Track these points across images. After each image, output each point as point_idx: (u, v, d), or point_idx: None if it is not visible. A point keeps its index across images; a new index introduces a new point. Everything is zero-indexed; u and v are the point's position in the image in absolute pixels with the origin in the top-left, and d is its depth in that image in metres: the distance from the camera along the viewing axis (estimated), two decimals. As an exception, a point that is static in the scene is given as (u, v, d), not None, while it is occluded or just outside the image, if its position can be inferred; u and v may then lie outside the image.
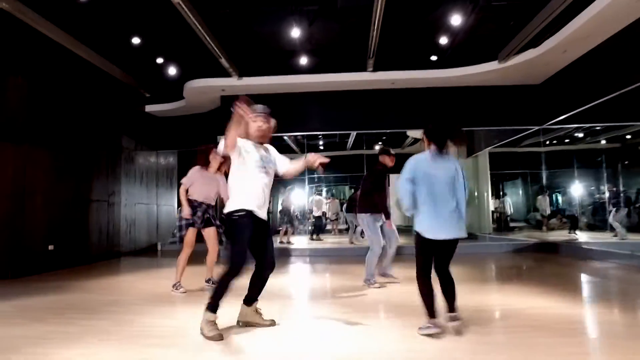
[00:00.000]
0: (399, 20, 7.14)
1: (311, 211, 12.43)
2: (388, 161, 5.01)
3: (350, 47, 8.02)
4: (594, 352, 2.72)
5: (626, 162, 9.47)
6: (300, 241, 11.11)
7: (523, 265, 6.87)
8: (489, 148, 11.07)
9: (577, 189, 11.27)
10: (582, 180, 11.24)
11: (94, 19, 7.20)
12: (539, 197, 11.30)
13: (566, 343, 2.76)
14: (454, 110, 8.91)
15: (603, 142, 10.14)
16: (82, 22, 7.17)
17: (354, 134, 11.31)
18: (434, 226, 2.95)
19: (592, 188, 10.76)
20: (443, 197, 2.94)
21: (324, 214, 13.29)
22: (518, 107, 8.79)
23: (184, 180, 4.67)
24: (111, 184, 8.36)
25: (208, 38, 6.80)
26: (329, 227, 14.08)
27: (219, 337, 2.87)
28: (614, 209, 9.02)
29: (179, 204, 4.77)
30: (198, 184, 4.66)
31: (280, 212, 11.21)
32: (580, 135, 10.84)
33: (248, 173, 3.03)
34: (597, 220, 10.41)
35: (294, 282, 5.80)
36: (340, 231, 13.65)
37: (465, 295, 4.25)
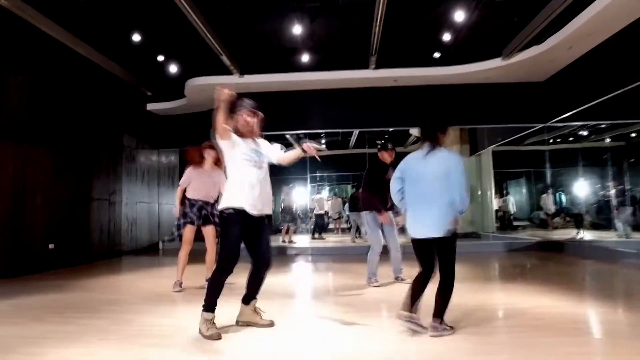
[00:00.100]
0: (401, 17, 7.08)
1: (312, 210, 12.40)
2: (386, 156, 4.97)
3: (352, 45, 7.97)
4: (597, 352, 2.67)
5: (632, 160, 9.38)
6: (302, 240, 11.09)
7: (527, 264, 6.81)
8: (492, 146, 11.00)
9: (582, 188, 11.18)
10: (587, 178, 11.15)
11: (94, 16, 7.17)
12: (543, 195, 11.22)
13: (569, 343, 2.71)
14: (457, 108, 8.85)
15: (608, 140, 10.05)
16: (83, 20, 7.14)
17: (356, 132, 11.26)
18: (414, 225, 3.01)
19: (598, 186, 10.67)
20: (430, 195, 2.94)
21: (326, 213, 13.25)
22: (522, 104, 8.71)
23: (181, 181, 4.75)
24: (112, 182, 8.35)
25: (209, 35, 6.76)
26: (331, 226, 14.03)
27: (217, 336, 2.84)
28: (619, 207, 8.92)
29: None
30: (195, 182, 4.68)
31: (281, 211, 11.18)
32: (585, 133, 10.75)
33: (238, 168, 3.01)
34: (602, 219, 10.32)
35: (295, 281, 5.76)
36: (343, 230, 13.62)
37: (468, 294, 4.22)
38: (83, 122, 7.49)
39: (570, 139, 10.83)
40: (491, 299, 4.27)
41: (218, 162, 4.70)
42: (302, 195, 12.53)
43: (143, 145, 9.74)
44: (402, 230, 4.93)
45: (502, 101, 8.78)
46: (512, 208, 12.80)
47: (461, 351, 2.59)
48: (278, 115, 8.91)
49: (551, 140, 9.41)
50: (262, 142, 3.24)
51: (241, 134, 3.09)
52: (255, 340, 2.87)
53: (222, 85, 2.89)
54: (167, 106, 9.90)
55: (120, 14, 7.25)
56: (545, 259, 7.29)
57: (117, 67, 8.56)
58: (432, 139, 3.02)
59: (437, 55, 8.42)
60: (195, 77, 8.58)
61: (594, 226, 10.35)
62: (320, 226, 12.27)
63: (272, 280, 5.17)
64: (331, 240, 11.44)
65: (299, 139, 8.85)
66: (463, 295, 4.14)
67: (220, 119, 2.88)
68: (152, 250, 9.82)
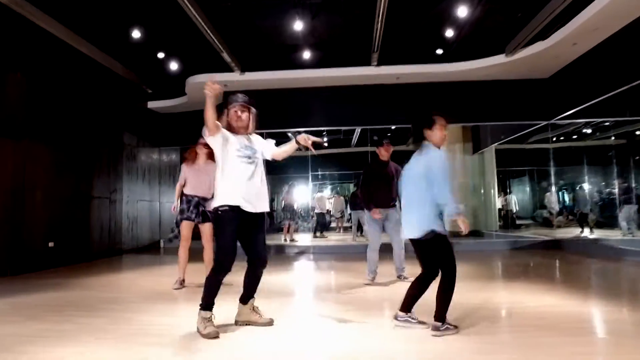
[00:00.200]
0: (403, 13, 7.02)
1: (314, 208, 12.36)
2: (382, 152, 5.00)
3: (354, 41, 7.91)
4: (601, 352, 2.62)
5: (637, 158, 9.29)
6: (304, 238, 11.06)
7: (530, 263, 6.74)
8: (496, 144, 10.91)
9: (586, 186, 11.10)
10: (591, 176, 11.07)
11: (94, 13, 7.13)
12: (547, 194, 11.14)
13: (571, 342, 2.66)
14: (460, 105, 8.78)
15: (612, 137, 9.95)
16: (83, 17, 7.10)
17: (358, 130, 11.19)
18: (403, 225, 3.05)
19: (603, 184, 10.59)
20: (410, 196, 2.98)
21: (328, 211, 13.20)
22: (526, 101, 8.63)
23: (179, 179, 4.85)
24: (113, 180, 8.32)
25: (210, 32, 6.72)
26: (333, 224, 13.99)
27: (215, 334, 2.80)
28: (623, 205, 8.84)
29: None
30: (191, 179, 4.73)
31: (282, 209, 11.15)
32: (589, 131, 10.66)
33: (231, 164, 2.96)
34: (606, 217, 10.24)
35: (296, 279, 5.70)
36: (346, 229, 13.57)
37: (471, 293, 4.17)
38: (83, 120, 7.45)
39: (574, 137, 10.75)
40: (494, 298, 4.21)
41: (212, 156, 4.67)
42: (303, 194, 12.49)
43: (144, 143, 9.71)
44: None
45: (505, 98, 8.70)
46: (514, 207, 12.73)
47: (463, 350, 2.55)
48: (279, 113, 8.87)
49: (554, 139, 9.33)
50: (256, 138, 3.19)
51: (233, 129, 3.04)
52: (255, 339, 2.83)
53: (211, 80, 2.85)
54: (168, 104, 9.86)
55: (120, 11, 7.21)
56: (548, 257, 7.23)
57: (118, 64, 8.53)
58: (422, 138, 2.99)
59: (439, 51, 8.35)
60: (196, 74, 8.54)
61: (598, 224, 10.27)
62: (322, 225, 12.23)
63: (273, 279, 5.13)
64: (333, 238, 11.40)
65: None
66: (466, 294, 4.09)
67: (209, 114, 2.83)
68: (153, 248, 9.80)
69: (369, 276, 4.81)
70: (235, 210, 2.89)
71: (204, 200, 4.66)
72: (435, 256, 2.86)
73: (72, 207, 7.06)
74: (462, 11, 6.74)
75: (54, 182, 6.63)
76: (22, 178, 6.03)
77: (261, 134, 3.33)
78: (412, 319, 2.96)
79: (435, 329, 2.79)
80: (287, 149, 3.15)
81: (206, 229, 4.68)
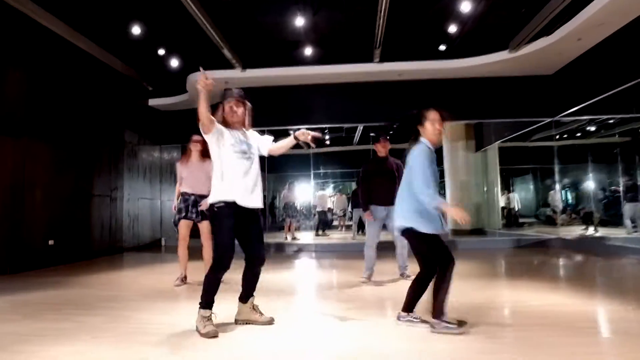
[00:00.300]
0: (406, 9, 6.94)
1: (315, 207, 12.32)
2: (380, 148, 5.01)
3: (355, 37, 7.83)
4: (606, 352, 2.56)
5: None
6: (305, 237, 11.02)
7: (534, 261, 6.68)
8: (499, 142, 10.83)
9: (591, 184, 11.01)
10: (596, 174, 10.98)
11: (94, 9, 7.08)
12: (551, 192, 11.06)
13: (575, 342, 2.62)
14: (463, 102, 8.70)
15: (617, 135, 9.86)
16: (83, 13, 7.06)
17: (360, 128, 11.12)
18: None
19: (608, 182, 10.49)
20: (400, 191, 3.00)
21: (330, 209, 13.15)
22: (529, 98, 8.54)
23: (177, 179, 4.82)
24: (114, 178, 8.29)
25: (210, 28, 6.66)
26: (335, 222, 13.95)
27: (214, 333, 2.76)
28: (628, 203, 8.76)
29: None
30: (187, 176, 4.70)
31: (283, 207, 11.11)
32: (593, 128, 10.56)
33: (227, 160, 2.91)
34: (610, 215, 10.15)
35: (297, 278, 5.67)
36: (348, 227, 13.52)
37: (474, 291, 4.12)
38: (84, 118, 7.42)
39: (578, 134, 10.65)
40: (497, 296, 4.17)
41: (207, 153, 4.63)
42: (305, 192, 12.44)
43: (145, 141, 9.67)
44: None
45: (509, 95, 8.61)
46: (516, 205, 12.66)
47: (465, 349, 2.50)
48: (280, 110, 8.81)
49: (557, 137, 9.25)
50: (252, 134, 3.14)
51: (228, 124, 2.99)
52: (255, 337, 2.79)
53: (203, 74, 2.80)
54: (169, 101, 9.81)
55: (120, 8, 7.16)
56: (552, 255, 7.18)
57: (118, 61, 8.49)
58: (417, 136, 3.02)
59: (442, 48, 8.26)
60: (197, 71, 8.48)
61: (603, 223, 10.19)
62: (324, 223, 12.18)
63: (274, 277, 5.11)
64: (335, 237, 11.37)
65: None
66: (469, 292, 4.04)
67: (202, 108, 2.78)
68: (154, 246, 9.78)
69: (364, 274, 4.76)
70: (231, 206, 2.84)
71: (201, 197, 4.60)
72: (418, 251, 2.91)
73: (72, 205, 7.03)
74: (465, 6, 6.65)
75: (54, 180, 6.59)
76: (22, 176, 6.00)
77: (262, 131, 3.29)
78: (415, 318, 2.93)
79: (434, 326, 2.77)
80: (284, 145, 3.12)
81: (204, 227, 4.65)
